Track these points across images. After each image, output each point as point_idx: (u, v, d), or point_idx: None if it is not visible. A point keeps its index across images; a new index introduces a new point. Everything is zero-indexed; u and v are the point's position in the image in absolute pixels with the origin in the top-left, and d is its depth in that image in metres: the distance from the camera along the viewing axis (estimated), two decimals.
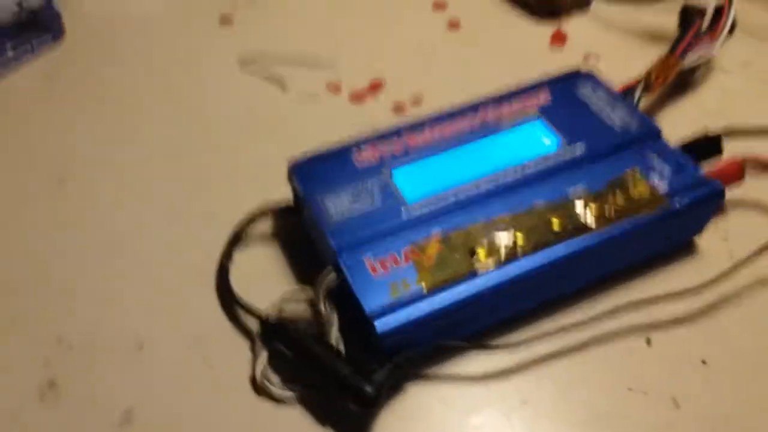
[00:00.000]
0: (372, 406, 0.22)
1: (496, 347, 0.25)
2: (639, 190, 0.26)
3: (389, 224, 0.25)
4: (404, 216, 0.25)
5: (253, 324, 0.26)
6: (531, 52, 0.39)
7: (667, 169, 0.27)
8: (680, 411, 0.24)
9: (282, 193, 0.29)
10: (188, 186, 0.32)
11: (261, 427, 0.24)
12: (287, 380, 0.24)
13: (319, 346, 0.23)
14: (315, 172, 0.27)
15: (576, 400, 0.24)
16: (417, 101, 0.35)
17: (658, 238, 0.27)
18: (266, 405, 0.24)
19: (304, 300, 0.26)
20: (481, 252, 0.24)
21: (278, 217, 0.29)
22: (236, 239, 0.28)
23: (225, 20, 0.41)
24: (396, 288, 0.23)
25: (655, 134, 0.28)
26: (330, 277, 0.24)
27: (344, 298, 0.24)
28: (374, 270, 0.24)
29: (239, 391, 0.24)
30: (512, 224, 0.25)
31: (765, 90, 0.36)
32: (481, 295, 0.23)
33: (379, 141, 0.28)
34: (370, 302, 0.23)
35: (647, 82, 0.32)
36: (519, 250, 0.24)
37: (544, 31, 0.40)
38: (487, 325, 0.25)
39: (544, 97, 0.30)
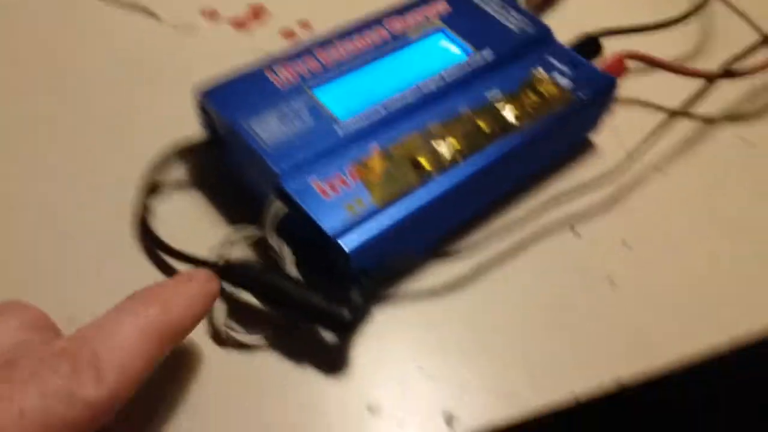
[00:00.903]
0: (352, 330, 0.21)
1: (452, 254, 0.25)
2: (547, 88, 0.28)
3: (326, 143, 0.24)
4: (339, 133, 0.24)
5: None
6: None
7: (565, 68, 0.29)
8: (617, 290, 0.26)
9: (187, 131, 0.26)
10: (81, 143, 0.27)
11: (234, 378, 0.22)
12: (249, 325, 0.23)
13: (282, 280, 0.22)
14: (233, 98, 0.24)
15: (529, 292, 0.26)
16: (305, 25, 0.33)
17: (569, 131, 0.29)
18: (234, 355, 0.22)
19: (244, 240, 0.24)
20: (423, 161, 0.24)
21: (192, 156, 0.27)
22: (151, 187, 0.25)
23: None
24: (352, 207, 0.22)
25: (547, 34, 0.30)
26: (277, 207, 0.22)
27: (293, 229, 0.23)
28: (324, 192, 0.23)
29: (202, 347, 0.22)
30: (445, 132, 0.25)
31: None
32: (433, 201, 0.23)
33: (293, 60, 0.26)
34: (329, 224, 0.22)
35: None
36: (458, 155, 0.25)
37: None
38: (437, 236, 0.26)
39: (442, 6, 0.30)
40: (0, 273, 0.23)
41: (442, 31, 0.29)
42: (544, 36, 0.30)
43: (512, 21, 0.30)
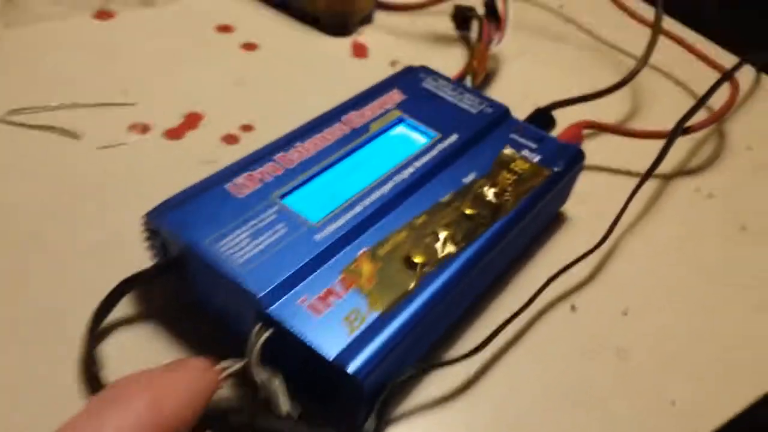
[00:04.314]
0: None
1: (457, 360, 0.22)
2: (520, 165, 0.27)
3: (306, 254, 0.21)
4: (318, 241, 0.21)
5: None
6: (338, 65, 0.37)
7: (532, 144, 0.28)
8: (629, 362, 0.24)
9: (130, 258, 0.22)
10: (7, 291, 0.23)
11: None
12: None
13: (280, 421, 0.18)
14: (190, 217, 0.21)
15: (544, 382, 0.23)
16: (248, 129, 0.31)
17: (549, 206, 0.27)
18: None
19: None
20: (417, 258, 0.22)
21: (143, 287, 0.23)
22: (97, 333, 0.21)
23: None
24: (350, 320, 0.19)
25: (504, 113, 0.29)
26: (263, 336, 0.19)
27: (279, 353, 0.19)
28: (316, 310, 0.19)
29: None
30: (433, 223, 0.23)
31: (545, 70, 0.40)
32: (437, 299, 0.21)
33: (251, 167, 0.23)
34: (329, 348, 0.18)
35: (473, 70, 0.33)
36: (452, 245, 0.22)
37: (341, 44, 0.39)
38: (436, 338, 0.23)
39: (397, 95, 0.29)
40: None
41: (403, 120, 0.27)
42: (503, 115, 0.29)
43: (469, 103, 0.29)
